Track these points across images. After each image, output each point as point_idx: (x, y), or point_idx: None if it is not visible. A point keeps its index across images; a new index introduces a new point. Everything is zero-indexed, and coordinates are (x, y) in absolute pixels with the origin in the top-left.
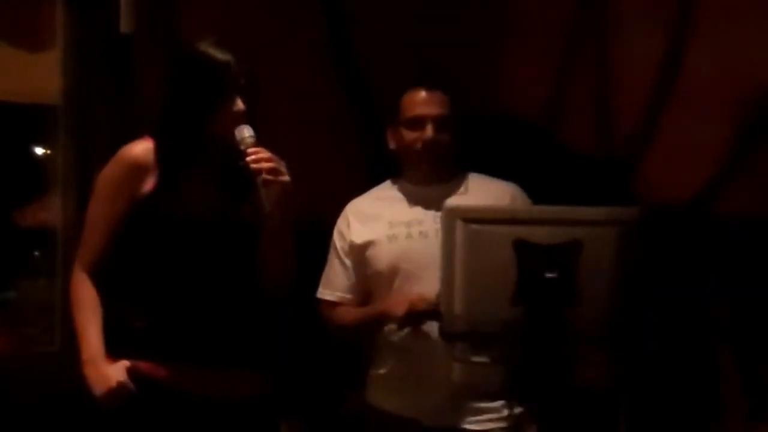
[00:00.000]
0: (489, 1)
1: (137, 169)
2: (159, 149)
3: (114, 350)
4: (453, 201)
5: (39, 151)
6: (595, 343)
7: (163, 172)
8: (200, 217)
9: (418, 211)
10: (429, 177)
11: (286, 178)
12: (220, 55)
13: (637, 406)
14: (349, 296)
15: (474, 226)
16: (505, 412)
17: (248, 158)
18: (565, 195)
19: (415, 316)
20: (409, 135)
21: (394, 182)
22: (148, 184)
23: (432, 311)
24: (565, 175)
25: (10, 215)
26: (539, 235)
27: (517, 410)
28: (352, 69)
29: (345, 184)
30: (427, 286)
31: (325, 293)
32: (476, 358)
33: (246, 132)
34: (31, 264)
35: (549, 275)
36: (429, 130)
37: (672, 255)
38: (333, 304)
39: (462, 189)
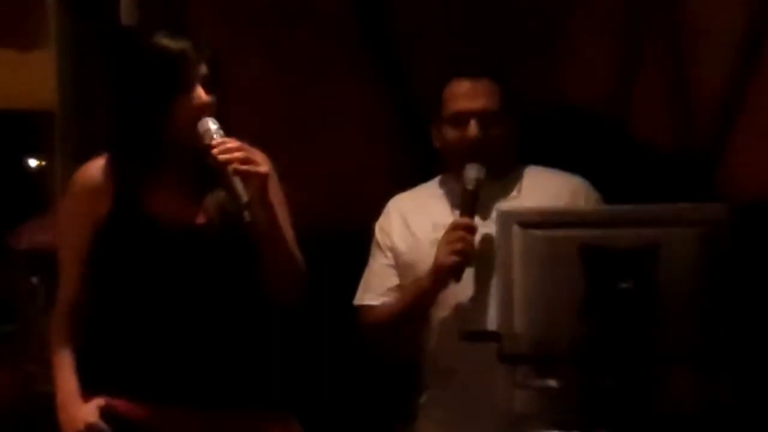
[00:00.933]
0: None
1: (91, 193)
2: (112, 162)
3: (92, 388)
4: (506, 202)
5: (34, 163)
6: (680, 363)
7: (118, 186)
8: (169, 229)
9: (456, 215)
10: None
11: (262, 167)
12: (173, 44)
13: None
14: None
15: (534, 232)
16: None
17: (214, 150)
18: (638, 193)
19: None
20: (451, 133)
21: (443, 180)
22: (107, 205)
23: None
24: (638, 170)
25: (4, 237)
26: (611, 239)
27: None
28: (388, 56)
29: (381, 185)
30: (477, 296)
31: (366, 298)
32: (542, 384)
33: (210, 124)
34: (30, 292)
35: (624, 285)
36: (473, 128)
37: (764, 257)
38: (373, 311)
39: (516, 187)
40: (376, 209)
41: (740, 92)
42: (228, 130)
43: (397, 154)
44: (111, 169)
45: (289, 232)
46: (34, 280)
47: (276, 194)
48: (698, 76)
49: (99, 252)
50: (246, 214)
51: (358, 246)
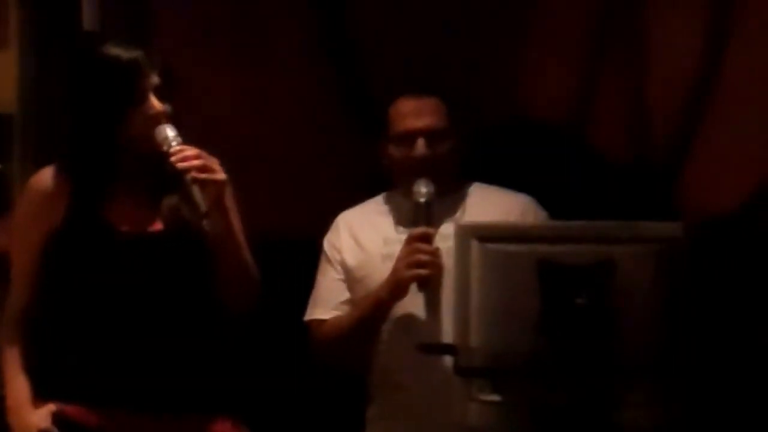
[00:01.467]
0: None
1: (43, 201)
2: (66, 171)
3: (44, 392)
4: (450, 221)
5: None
6: (635, 380)
7: (73, 195)
8: (129, 236)
9: (402, 232)
10: None
11: (220, 175)
12: (125, 53)
13: None
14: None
15: (491, 246)
16: None
17: (173, 158)
18: (595, 208)
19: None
20: (398, 151)
21: (389, 196)
22: (60, 213)
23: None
24: (596, 184)
25: None
26: (567, 254)
27: None
28: (349, 72)
29: (343, 197)
30: (428, 309)
31: (316, 312)
32: (496, 398)
33: (168, 131)
34: None
35: (579, 301)
36: (420, 146)
37: (721, 274)
38: (321, 326)
39: (461, 205)
40: (324, 219)
41: (698, 107)
42: (183, 133)
43: (349, 164)
44: (65, 176)
45: (241, 237)
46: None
47: (230, 199)
48: (656, 91)
49: (52, 258)
50: (205, 222)
51: (306, 255)
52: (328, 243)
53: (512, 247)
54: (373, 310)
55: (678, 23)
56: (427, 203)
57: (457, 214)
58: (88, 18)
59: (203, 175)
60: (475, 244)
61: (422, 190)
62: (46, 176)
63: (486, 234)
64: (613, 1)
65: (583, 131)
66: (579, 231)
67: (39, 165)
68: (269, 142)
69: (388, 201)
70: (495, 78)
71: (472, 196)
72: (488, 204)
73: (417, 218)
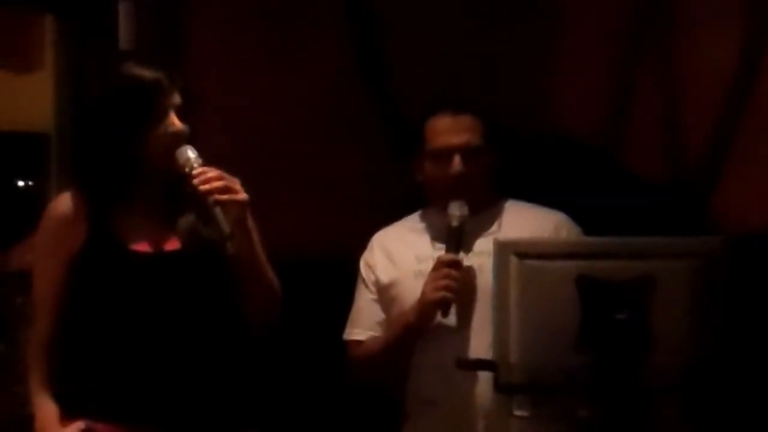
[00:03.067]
0: (539, 11)
1: (64, 226)
2: (85, 193)
3: (73, 412)
4: (485, 238)
5: (28, 184)
6: (673, 394)
7: (93, 218)
8: (149, 257)
9: (440, 250)
10: None
11: (242, 195)
12: (148, 73)
13: None
14: (378, 336)
15: (530, 262)
16: None
17: (195, 180)
18: (631, 225)
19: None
20: (434, 168)
21: (424, 213)
22: (80, 237)
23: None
24: (631, 201)
25: None
26: (606, 270)
27: None
28: (383, 92)
29: (377, 215)
30: (457, 329)
31: (352, 333)
32: (536, 414)
33: (189, 152)
34: (20, 313)
35: (618, 316)
36: (455, 163)
37: (759, 290)
38: (359, 347)
39: (496, 222)
40: (360, 238)
41: (733, 123)
42: (210, 152)
43: (383, 182)
44: (83, 200)
45: (263, 255)
46: (24, 300)
47: (250, 218)
48: (691, 107)
49: (74, 282)
50: (229, 245)
51: (342, 275)
52: (363, 262)
53: (551, 264)
54: (402, 334)
55: (712, 40)
56: (459, 228)
57: (491, 231)
58: (125, 37)
59: (225, 197)
60: (513, 260)
61: (456, 213)
62: (64, 202)
63: (525, 250)
64: (645, 18)
65: (617, 149)
66: (618, 247)
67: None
68: (303, 160)
69: (423, 218)
70: (529, 95)
71: (506, 213)
72: (522, 221)
73: (449, 242)
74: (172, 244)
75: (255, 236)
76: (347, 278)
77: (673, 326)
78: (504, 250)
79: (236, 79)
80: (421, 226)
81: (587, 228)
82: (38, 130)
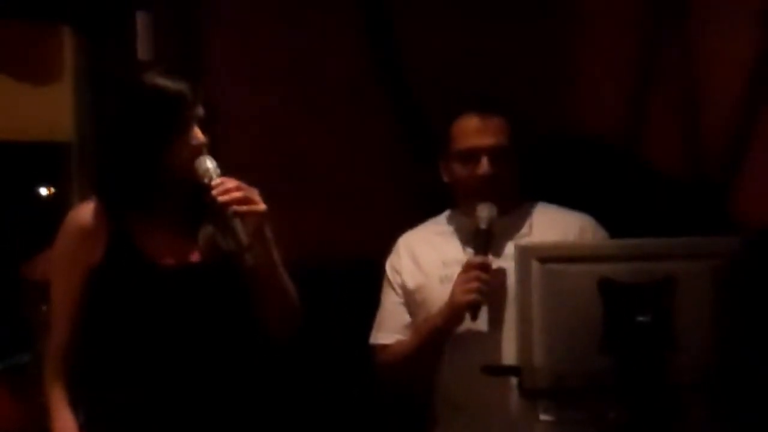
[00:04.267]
0: (556, 10)
1: (85, 236)
2: (105, 204)
3: (91, 423)
4: (516, 239)
5: (51, 193)
6: (698, 394)
7: (114, 229)
8: (170, 269)
9: (468, 252)
10: None
11: (261, 206)
12: (172, 84)
13: None
14: (405, 339)
15: (552, 266)
16: None
17: (214, 191)
18: (652, 224)
19: (477, 302)
20: (461, 169)
21: (452, 215)
22: (101, 248)
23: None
24: (651, 199)
25: (19, 266)
26: (627, 273)
27: None
28: (403, 94)
29: (398, 220)
30: (491, 330)
31: (379, 337)
32: (561, 417)
33: (208, 163)
34: (44, 323)
35: (641, 318)
36: (484, 165)
37: None
38: (385, 350)
39: (526, 224)
40: (382, 240)
41: (751, 121)
42: (230, 162)
43: (404, 186)
44: (104, 210)
45: (281, 265)
46: (45, 308)
47: (268, 228)
48: (709, 105)
49: (95, 294)
50: (247, 256)
51: (366, 279)
52: (389, 265)
53: (573, 267)
54: (430, 337)
55: (729, 35)
56: (488, 231)
57: (522, 233)
58: (143, 48)
59: (244, 208)
60: (535, 265)
61: (484, 215)
62: (84, 211)
63: (546, 254)
64: (662, 16)
65: (637, 147)
66: (638, 249)
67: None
68: (324, 165)
69: (450, 220)
70: (548, 94)
71: (532, 215)
72: (550, 222)
73: (477, 244)
74: (194, 256)
75: (273, 247)
76: (372, 282)
77: (696, 326)
78: (525, 254)
79: (256, 87)
80: (449, 228)
81: (609, 226)
82: (59, 139)
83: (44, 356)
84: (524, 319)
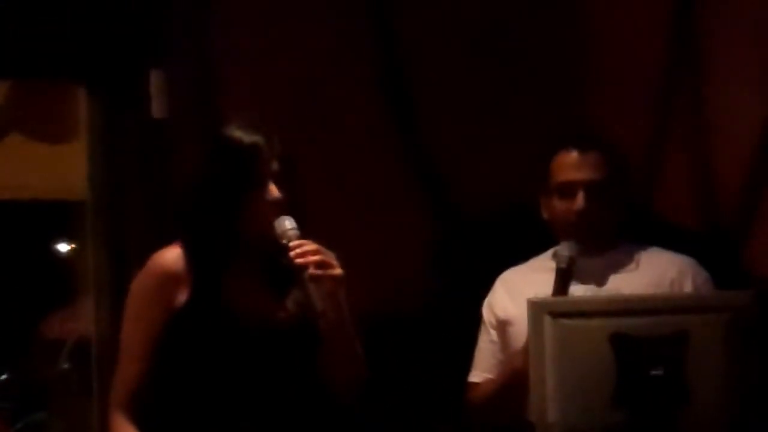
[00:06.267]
0: (568, 60)
1: (169, 280)
2: (189, 253)
3: None
4: (621, 275)
5: (67, 251)
6: None
7: (197, 278)
8: (246, 324)
9: (573, 287)
10: (586, 248)
11: (337, 271)
12: (246, 137)
13: None
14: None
15: (564, 321)
16: None
17: (291, 253)
18: None
19: None
20: (559, 204)
21: (555, 253)
22: (183, 295)
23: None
24: (665, 249)
25: (37, 324)
26: (639, 327)
27: None
28: (412, 132)
29: (413, 269)
30: None
31: (471, 375)
32: None
33: (287, 224)
34: (63, 380)
35: (654, 372)
36: (580, 199)
37: None
38: (478, 389)
39: (633, 261)
40: (409, 291)
41: (765, 172)
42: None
43: (425, 235)
44: (188, 258)
45: (353, 330)
46: (65, 366)
47: (342, 293)
48: (724, 156)
49: (173, 339)
50: (321, 322)
51: (398, 330)
52: (485, 303)
53: (584, 322)
54: (509, 377)
55: (741, 87)
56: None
57: (625, 269)
58: (157, 105)
59: (320, 272)
60: (547, 320)
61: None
62: (171, 255)
63: (558, 309)
64: (676, 70)
65: (651, 198)
66: (650, 303)
67: (111, 249)
68: (337, 215)
69: (551, 256)
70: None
71: (638, 253)
72: (653, 261)
73: (556, 283)
74: (277, 316)
75: (346, 312)
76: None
77: (709, 380)
78: (538, 309)
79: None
80: (547, 264)
81: None
82: (74, 198)
83: (111, 389)
84: (537, 374)
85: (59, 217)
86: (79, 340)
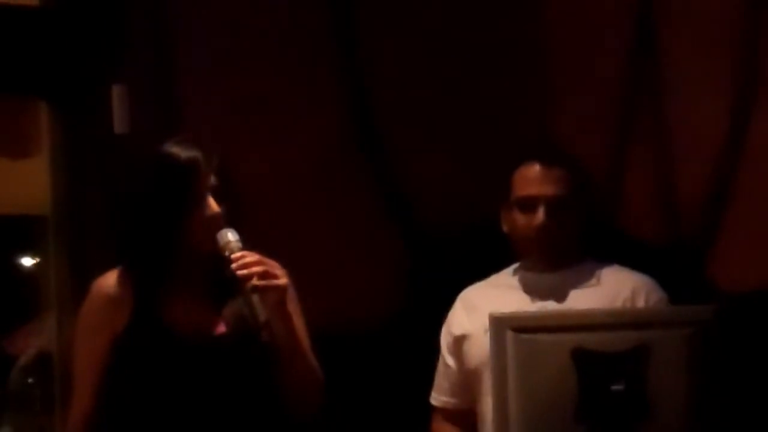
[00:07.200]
0: (531, 71)
1: (110, 304)
2: (129, 274)
3: None
4: (582, 290)
5: (28, 266)
6: None
7: (137, 299)
8: (187, 342)
9: (530, 303)
10: (546, 263)
11: (281, 281)
12: (183, 153)
13: None
14: (452, 400)
15: (526, 336)
16: None
17: (233, 265)
18: None
19: None
20: (520, 218)
21: (516, 268)
22: (126, 317)
23: None
24: (628, 264)
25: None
26: (601, 341)
27: None
28: (380, 166)
29: (378, 287)
30: None
31: (431, 398)
32: None
33: (230, 236)
34: (25, 396)
35: (615, 387)
36: (541, 215)
37: (757, 356)
38: (437, 413)
39: (594, 276)
40: (375, 308)
41: (727, 185)
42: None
43: (390, 252)
44: (128, 280)
45: (305, 342)
46: (30, 380)
47: (292, 302)
48: (685, 168)
49: (117, 363)
50: (264, 333)
51: (363, 348)
52: (444, 325)
53: (546, 337)
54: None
55: (701, 101)
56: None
57: (587, 284)
58: (119, 121)
59: (263, 282)
60: (510, 335)
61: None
62: (109, 281)
63: (520, 324)
64: (635, 84)
65: (613, 213)
66: (612, 317)
67: (73, 264)
68: (302, 229)
69: (514, 273)
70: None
71: (599, 269)
72: (612, 277)
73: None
74: (218, 329)
75: (296, 322)
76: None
77: (670, 395)
78: (499, 324)
79: (235, 159)
80: (511, 281)
81: None
82: (36, 213)
83: (67, 424)
84: (499, 390)
85: (21, 231)
86: (39, 354)
